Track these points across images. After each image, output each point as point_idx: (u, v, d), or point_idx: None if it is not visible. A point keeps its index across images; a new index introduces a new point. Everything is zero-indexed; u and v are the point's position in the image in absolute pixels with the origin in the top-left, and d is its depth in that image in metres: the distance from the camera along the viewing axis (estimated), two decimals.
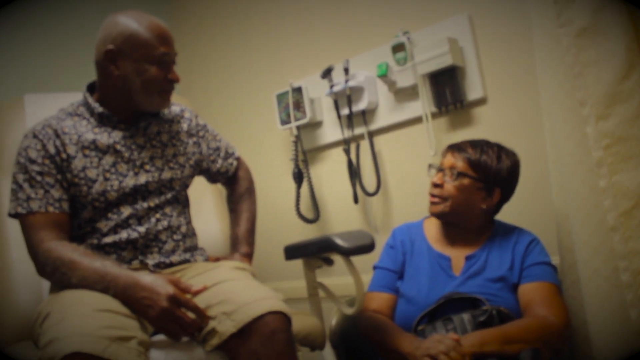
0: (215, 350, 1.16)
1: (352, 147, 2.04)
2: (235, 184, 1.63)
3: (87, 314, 1.08)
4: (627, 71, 1.30)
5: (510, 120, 1.72)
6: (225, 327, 1.13)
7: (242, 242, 1.55)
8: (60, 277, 1.23)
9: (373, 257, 1.54)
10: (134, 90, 1.37)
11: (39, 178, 1.33)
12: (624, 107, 1.31)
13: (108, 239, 1.34)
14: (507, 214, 1.56)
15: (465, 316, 1.32)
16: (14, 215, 1.33)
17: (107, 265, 1.21)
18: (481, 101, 1.77)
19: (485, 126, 1.76)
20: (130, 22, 1.35)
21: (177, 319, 1.14)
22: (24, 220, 1.31)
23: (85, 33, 2.40)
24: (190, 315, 1.15)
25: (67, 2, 2.47)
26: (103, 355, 1.01)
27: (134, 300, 1.16)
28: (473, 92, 1.77)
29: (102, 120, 1.41)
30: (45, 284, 1.59)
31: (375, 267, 1.57)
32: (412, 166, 1.90)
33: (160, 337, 1.20)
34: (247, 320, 1.11)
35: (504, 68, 1.73)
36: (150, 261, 1.34)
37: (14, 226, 1.65)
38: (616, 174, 1.31)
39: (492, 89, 1.75)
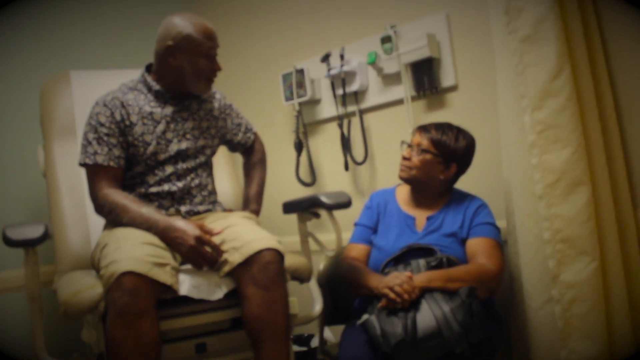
0: (226, 276, 1.61)
1: (345, 122, 2.44)
2: (251, 154, 2.06)
3: (136, 245, 1.52)
4: (558, 72, 1.69)
5: (476, 105, 2.11)
6: (234, 258, 1.57)
7: (252, 201, 1.98)
8: (114, 218, 1.67)
9: (355, 216, 1.97)
10: (187, 78, 1.80)
11: (105, 138, 1.74)
12: (554, 101, 1.70)
13: (153, 189, 1.78)
14: (468, 184, 1.97)
15: (421, 261, 1.73)
16: (83, 165, 1.76)
17: (150, 211, 1.65)
18: (453, 88, 2.16)
19: (456, 109, 2.15)
20: (186, 24, 1.78)
21: (200, 253, 1.58)
22: (89, 169, 1.74)
23: (126, 15, 2.82)
24: (210, 251, 1.59)
25: None
26: (148, 274, 1.46)
27: (169, 239, 1.60)
28: (446, 80, 2.15)
29: (157, 97, 1.83)
30: (91, 225, 2.04)
31: (355, 224, 1.99)
32: (394, 140, 2.28)
33: (187, 266, 1.64)
34: (250, 253, 1.56)
35: (473, 61, 2.11)
36: (183, 209, 1.78)
37: (65, 180, 2.10)
38: (545, 154, 1.71)
39: (462, 78, 2.13)
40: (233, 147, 2.06)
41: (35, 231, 1.60)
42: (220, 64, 1.83)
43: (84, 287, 1.57)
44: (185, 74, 1.79)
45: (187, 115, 1.87)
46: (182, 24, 1.78)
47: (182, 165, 1.82)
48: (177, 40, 1.77)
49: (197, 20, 1.79)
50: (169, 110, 1.84)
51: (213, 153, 1.95)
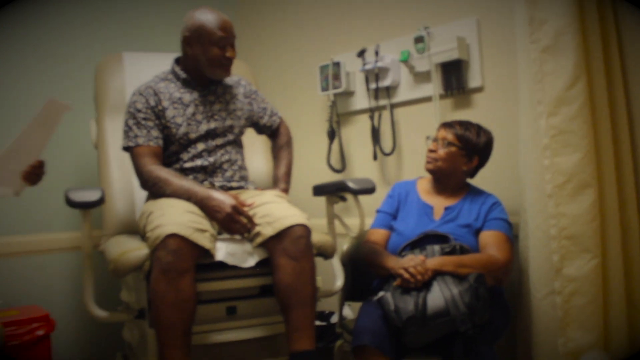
0: (259, 247, 1.85)
1: (376, 115, 2.65)
2: (277, 137, 2.29)
3: (180, 212, 1.77)
4: (574, 82, 1.87)
5: (499, 106, 2.29)
6: (267, 231, 1.81)
7: (281, 181, 2.22)
8: (157, 190, 1.93)
9: (379, 204, 2.19)
10: (202, 65, 2.06)
11: (143, 122, 2.00)
12: (568, 109, 1.88)
13: (187, 165, 2.03)
14: (487, 180, 2.16)
15: (436, 247, 1.94)
16: (126, 148, 2.02)
17: (190, 183, 1.90)
18: (479, 89, 2.34)
19: (480, 109, 2.34)
20: (201, 16, 2.03)
21: (235, 221, 1.82)
22: (132, 151, 2.00)
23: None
24: (244, 220, 1.83)
25: None
26: (190, 237, 1.70)
27: (207, 208, 1.84)
28: (473, 81, 2.34)
29: (185, 84, 2.09)
30: (136, 196, 2.30)
31: (377, 211, 2.20)
32: (421, 135, 2.45)
33: (223, 236, 1.88)
34: (282, 227, 1.79)
35: (499, 65, 2.28)
36: (217, 183, 2.03)
37: (115, 152, 2.36)
38: (556, 157, 1.90)
39: (488, 80, 2.32)
40: (259, 129, 2.30)
41: (94, 195, 1.86)
42: (234, 52, 2.05)
43: (131, 248, 1.83)
44: (200, 62, 2.05)
45: (214, 98, 2.12)
46: (196, 16, 2.03)
47: (211, 143, 2.07)
48: (191, 32, 2.02)
49: (211, 12, 2.04)
50: (196, 94, 2.10)
51: (241, 133, 2.19)
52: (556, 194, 1.90)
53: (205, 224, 1.80)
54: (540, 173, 1.94)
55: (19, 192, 1.69)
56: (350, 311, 2.46)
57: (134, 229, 2.21)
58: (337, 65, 2.71)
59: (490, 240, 1.98)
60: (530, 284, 2.01)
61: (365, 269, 2.08)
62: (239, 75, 2.29)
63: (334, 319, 2.60)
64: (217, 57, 2.03)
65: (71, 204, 1.85)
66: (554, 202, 1.90)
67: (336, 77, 2.72)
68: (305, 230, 1.82)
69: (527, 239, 2.04)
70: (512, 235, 2.03)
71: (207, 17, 2.02)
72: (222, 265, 1.83)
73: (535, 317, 1.98)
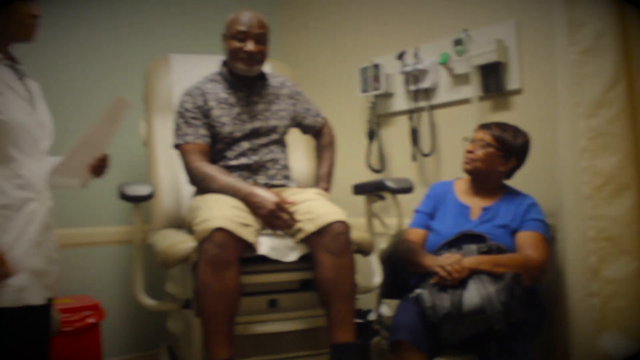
0: (300, 242, 1.93)
1: (415, 116, 2.71)
2: (321, 137, 2.37)
3: (225, 207, 1.87)
4: (613, 84, 1.89)
5: (538, 108, 2.32)
6: (308, 227, 1.89)
7: (323, 180, 2.30)
8: (204, 186, 2.03)
9: (417, 204, 2.25)
10: (229, 59, 2.19)
11: (191, 121, 2.11)
12: (607, 111, 1.90)
13: (232, 163, 2.13)
14: (525, 182, 2.20)
15: (472, 246, 1.99)
16: (176, 146, 2.13)
17: (235, 180, 2.00)
18: (517, 91, 2.38)
19: (519, 111, 2.37)
20: (232, 14, 2.17)
21: (278, 217, 1.91)
22: (182, 148, 2.11)
23: (224, 2, 3.17)
24: (286, 217, 1.91)
25: None
26: (235, 232, 1.79)
27: (251, 204, 1.93)
28: (512, 83, 2.37)
29: (231, 85, 2.19)
30: (182, 192, 2.41)
31: (415, 211, 2.26)
32: (460, 136, 2.50)
33: (267, 230, 1.97)
34: (323, 224, 1.87)
35: (538, 67, 2.31)
36: (260, 181, 2.12)
37: (163, 149, 2.47)
38: (595, 159, 1.92)
39: (527, 82, 2.35)
40: (304, 129, 2.39)
41: (145, 190, 1.98)
42: (257, 47, 2.14)
43: (178, 241, 1.94)
44: (228, 56, 2.18)
45: (258, 99, 2.22)
46: (230, 15, 2.18)
47: (256, 142, 2.17)
48: (224, 29, 2.18)
49: (242, 10, 2.18)
50: (241, 95, 2.20)
51: (284, 132, 2.28)
52: (594, 195, 1.92)
53: (249, 219, 1.89)
54: (578, 175, 1.96)
55: (86, 183, 1.80)
56: (387, 309, 2.52)
57: (180, 223, 2.33)
58: (377, 67, 2.78)
59: (527, 240, 2.02)
60: (567, 286, 2.04)
61: (402, 267, 2.14)
62: (284, 76, 2.38)
63: (372, 316, 2.67)
64: (235, 50, 2.14)
65: (124, 197, 1.97)
66: (592, 203, 1.93)
67: (376, 79, 2.79)
68: (345, 227, 1.89)
69: (565, 240, 2.06)
70: (548, 236, 2.07)
71: (236, 14, 2.16)
72: (264, 259, 1.92)
73: (573, 320, 2.00)
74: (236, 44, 2.13)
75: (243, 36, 2.12)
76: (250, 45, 2.12)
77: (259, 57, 2.16)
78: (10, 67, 1.63)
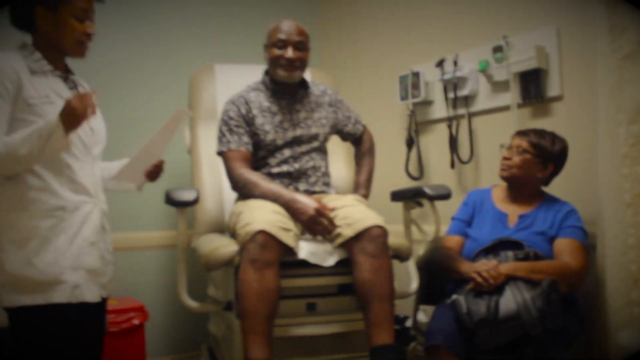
0: (339, 247, 1.99)
1: (454, 123, 2.74)
2: (360, 144, 2.44)
3: (267, 212, 1.95)
4: None
5: (579, 115, 2.32)
6: (347, 232, 1.95)
7: (362, 187, 2.36)
8: (247, 192, 2.11)
9: (455, 212, 2.29)
10: (269, 68, 2.26)
11: (235, 129, 2.20)
12: None
13: (274, 170, 2.21)
14: (565, 189, 2.21)
15: (509, 253, 2.01)
16: (219, 153, 2.22)
17: (276, 186, 2.08)
18: (558, 98, 2.38)
19: (559, 118, 2.38)
20: (273, 24, 2.27)
21: (318, 223, 1.98)
22: (225, 155, 2.20)
23: (267, 12, 3.28)
24: (326, 222, 1.98)
25: None
26: (276, 235, 1.87)
27: (292, 209, 2.01)
28: (552, 89, 2.39)
29: (274, 93, 2.27)
30: (225, 198, 2.50)
31: (452, 218, 2.29)
32: (498, 144, 2.54)
33: (306, 235, 2.04)
34: (361, 229, 1.93)
35: (579, 73, 2.31)
36: (301, 187, 2.19)
37: (207, 156, 2.57)
38: (636, 165, 1.93)
39: (567, 88, 2.36)
40: (344, 136, 2.45)
41: (190, 195, 2.08)
42: (296, 53, 2.21)
43: (222, 245, 2.02)
44: (269, 64, 2.27)
45: (300, 107, 2.30)
46: (271, 25, 2.27)
47: (297, 149, 2.24)
48: (266, 39, 2.27)
49: (283, 19, 2.27)
50: (284, 103, 2.28)
51: (325, 140, 2.35)
52: (635, 203, 1.93)
53: (289, 224, 1.97)
54: (619, 182, 1.97)
55: (141, 187, 1.92)
56: (424, 315, 2.55)
57: (223, 228, 2.42)
58: (416, 75, 2.82)
59: (565, 247, 2.03)
60: (607, 294, 2.04)
61: (439, 273, 2.17)
62: (325, 84, 2.45)
63: (409, 322, 2.70)
64: (276, 58, 2.22)
65: (171, 202, 2.07)
66: (632, 211, 1.93)
67: (415, 86, 2.83)
68: (383, 231, 1.95)
69: (605, 248, 2.06)
70: (587, 243, 2.07)
71: (277, 23, 2.25)
72: (304, 263, 1.99)
73: (612, 327, 2.00)
74: (277, 52, 2.22)
75: (283, 44, 2.21)
76: (289, 52, 2.21)
77: (299, 63, 2.23)
78: (62, 78, 1.74)
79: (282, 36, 2.21)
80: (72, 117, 1.53)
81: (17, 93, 1.59)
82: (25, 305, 1.61)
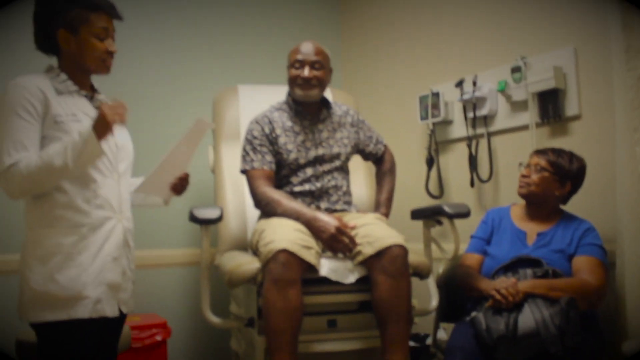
0: (359, 265, 2.05)
1: (474, 143, 2.79)
2: (381, 164, 2.50)
3: (289, 230, 2.01)
4: None
5: (597, 134, 2.36)
6: (367, 250, 2.01)
7: (382, 205, 2.42)
8: (270, 209, 2.19)
9: (474, 230, 2.34)
10: (289, 87, 2.35)
11: (258, 148, 2.28)
12: None
13: (297, 189, 2.28)
14: (584, 207, 2.25)
15: (528, 271, 2.05)
16: (243, 171, 2.30)
17: (298, 205, 2.15)
18: (576, 117, 2.43)
19: (577, 137, 2.42)
20: (294, 46, 2.36)
21: (339, 241, 2.04)
22: (249, 173, 2.28)
23: (288, 34, 3.37)
24: (346, 240, 2.04)
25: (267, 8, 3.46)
26: (297, 253, 1.93)
27: (314, 228, 2.07)
28: (570, 109, 2.43)
29: (297, 113, 2.35)
30: (248, 216, 2.57)
31: (472, 236, 2.34)
32: (517, 162, 2.59)
33: (327, 253, 2.10)
34: (381, 247, 1.99)
35: (598, 92, 2.36)
36: (322, 206, 2.26)
37: (230, 175, 2.65)
38: None
39: (586, 108, 2.40)
40: (365, 156, 2.52)
41: (214, 213, 2.16)
42: (311, 72, 2.30)
43: (245, 262, 2.09)
44: (289, 85, 2.36)
45: (322, 127, 2.38)
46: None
47: (319, 168, 2.31)
48: (287, 60, 2.36)
49: (302, 41, 2.36)
50: (306, 123, 2.36)
51: (347, 159, 2.42)
52: None
53: (311, 242, 2.03)
54: (636, 200, 2.01)
55: (168, 201, 1.97)
56: (444, 333, 2.58)
57: (245, 245, 2.49)
58: (436, 95, 2.89)
59: (584, 265, 2.07)
60: (626, 311, 2.06)
61: (459, 291, 2.21)
62: (348, 105, 2.53)
63: (429, 340, 2.74)
64: (293, 77, 2.32)
65: (195, 220, 2.15)
66: None
67: (435, 106, 2.90)
68: (403, 250, 2.00)
69: (623, 265, 2.09)
70: (606, 261, 2.10)
71: (297, 45, 2.35)
72: (325, 280, 2.05)
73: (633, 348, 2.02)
74: (294, 72, 2.31)
75: (300, 64, 2.31)
76: (306, 72, 2.30)
77: (315, 82, 2.31)
78: (88, 98, 1.80)
79: (299, 57, 2.30)
80: (103, 123, 1.61)
81: (45, 112, 1.67)
82: (49, 321, 1.65)
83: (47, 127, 1.67)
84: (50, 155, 1.61)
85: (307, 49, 2.32)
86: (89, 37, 1.73)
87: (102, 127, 1.62)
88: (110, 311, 1.73)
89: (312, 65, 2.30)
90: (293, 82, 2.32)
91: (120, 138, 1.84)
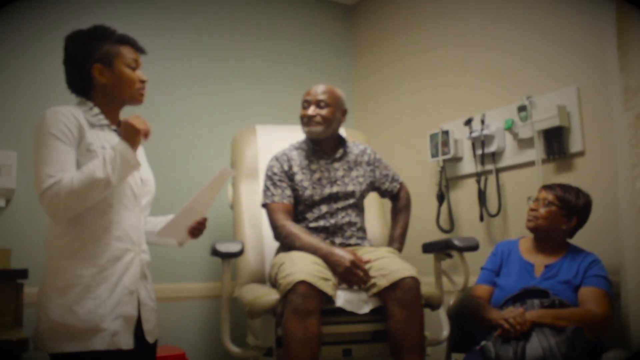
0: (373, 296, 2.19)
1: (482, 179, 2.95)
2: (397, 201, 2.67)
3: (307, 263, 2.17)
4: None
5: (600, 169, 2.51)
6: (382, 282, 2.16)
7: (396, 241, 2.57)
8: (288, 242, 2.34)
9: (483, 263, 2.47)
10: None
11: (278, 183, 2.45)
12: None
13: (312, 224, 2.44)
14: (589, 240, 2.39)
15: (535, 301, 2.18)
16: (264, 205, 2.47)
17: (315, 240, 2.31)
18: (580, 153, 2.59)
19: (582, 172, 2.58)
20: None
21: (354, 274, 2.19)
22: (269, 207, 2.45)
23: (302, 77, 3.56)
24: (361, 274, 2.18)
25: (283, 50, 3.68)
26: (316, 284, 2.08)
27: (330, 261, 2.22)
28: (574, 146, 2.59)
29: (314, 152, 2.52)
30: (266, 250, 2.72)
31: (481, 268, 2.48)
32: (524, 197, 2.74)
33: (342, 285, 2.24)
34: (395, 279, 2.13)
35: (601, 129, 2.51)
36: (337, 241, 2.41)
37: (248, 211, 2.81)
38: None
39: (589, 144, 2.56)
40: (381, 193, 2.69)
41: (236, 247, 2.31)
42: (315, 110, 2.48)
43: (264, 293, 2.23)
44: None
45: (339, 165, 2.55)
46: None
47: (334, 206, 2.47)
48: None
49: (315, 84, 2.55)
50: (323, 162, 2.54)
51: (362, 197, 2.58)
52: None
53: (328, 274, 2.18)
54: (638, 233, 2.15)
55: (183, 243, 2.09)
56: None
57: (263, 278, 2.64)
58: (446, 133, 3.07)
59: (589, 296, 2.19)
60: (631, 342, 2.18)
61: (470, 321, 2.34)
62: (366, 144, 2.70)
63: None
64: (301, 116, 2.52)
65: (217, 253, 2.30)
66: None
67: (445, 144, 3.07)
68: (416, 282, 2.15)
69: (628, 296, 2.21)
70: (611, 292, 2.23)
71: (310, 88, 2.54)
72: (340, 311, 2.18)
73: None
74: (302, 111, 2.52)
75: (307, 104, 2.52)
76: (309, 110, 2.49)
77: (318, 119, 2.49)
78: (117, 132, 1.91)
79: (307, 97, 2.52)
80: (132, 132, 1.75)
81: (80, 138, 1.79)
82: (66, 352, 1.70)
83: (80, 154, 1.77)
84: (91, 169, 1.70)
85: (315, 89, 2.52)
86: (123, 67, 1.88)
87: (131, 136, 1.75)
88: (125, 344, 1.79)
89: (317, 104, 2.49)
90: (301, 120, 2.52)
91: (144, 173, 1.96)
